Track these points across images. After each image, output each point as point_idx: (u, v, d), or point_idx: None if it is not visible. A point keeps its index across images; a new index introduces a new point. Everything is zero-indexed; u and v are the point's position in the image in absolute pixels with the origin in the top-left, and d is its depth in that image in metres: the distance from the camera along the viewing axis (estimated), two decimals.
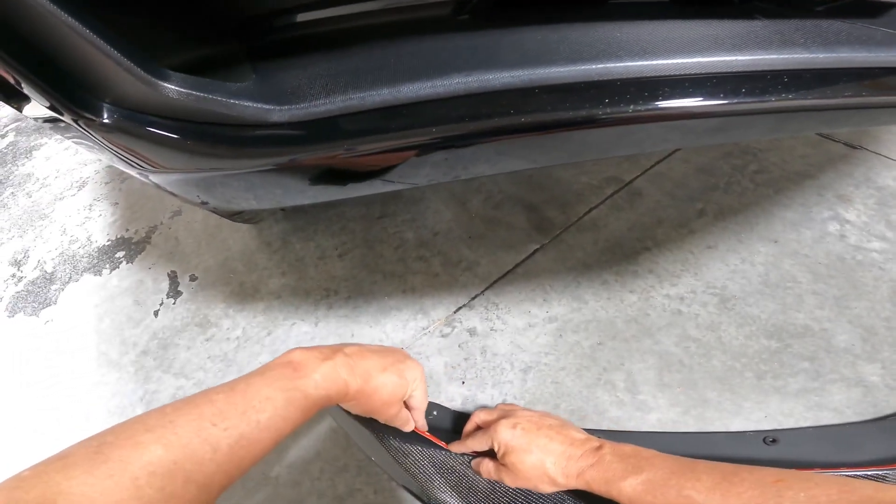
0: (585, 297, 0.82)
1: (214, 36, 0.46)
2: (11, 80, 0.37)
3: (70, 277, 1.25)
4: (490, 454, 0.60)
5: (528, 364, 0.76)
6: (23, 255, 1.39)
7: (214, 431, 0.36)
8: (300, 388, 0.43)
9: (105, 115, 0.41)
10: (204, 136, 0.43)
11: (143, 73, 0.37)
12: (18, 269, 1.36)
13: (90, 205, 1.43)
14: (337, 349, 0.49)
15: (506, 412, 0.60)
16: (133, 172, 0.56)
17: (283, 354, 0.47)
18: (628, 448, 0.48)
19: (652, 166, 1.06)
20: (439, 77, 0.39)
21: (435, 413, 0.68)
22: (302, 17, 0.45)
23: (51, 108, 0.40)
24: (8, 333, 1.18)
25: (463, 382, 0.76)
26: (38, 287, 1.27)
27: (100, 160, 1.61)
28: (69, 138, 0.59)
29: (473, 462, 0.60)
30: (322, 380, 0.45)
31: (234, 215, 0.88)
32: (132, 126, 0.42)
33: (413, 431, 0.65)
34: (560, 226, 0.96)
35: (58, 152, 1.72)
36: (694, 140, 0.46)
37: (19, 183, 1.64)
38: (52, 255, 1.34)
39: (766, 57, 0.39)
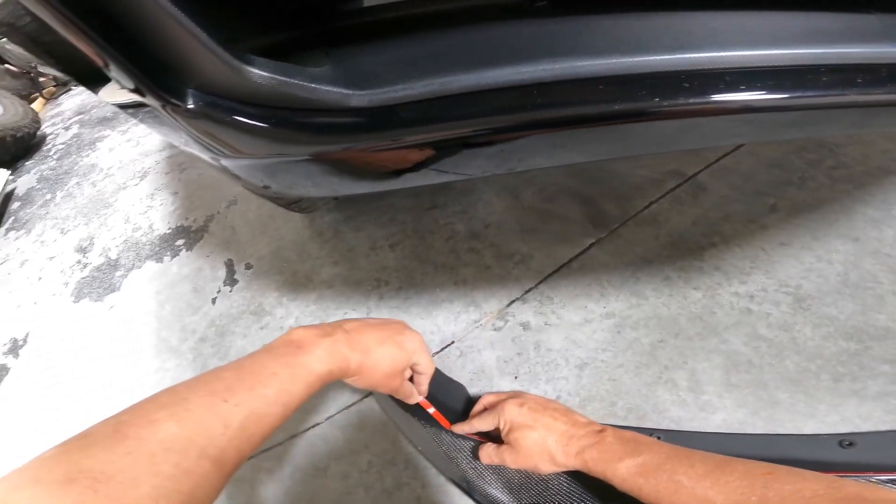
0: (645, 292, 0.82)
1: (288, 20, 0.47)
2: (100, 63, 0.39)
3: (133, 264, 1.36)
4: (492, 439, 0.62)
5: (584, 360, 0.77)
6: (88, 241, 1.52)
7: (226, 407, 0.38)
8: (303, 364, 0.46)
9: (191, 101, 0.43)
10: (286, 122, 0.44)
11: (231, 58, 0.39)
12: (84, 256, 1.48)
13: (152, 194, 1.54)
14: (336, 326, 0.53)
15: (514, 394, 0.63)
16: (206, 157, 0.61)
17: (285, 333, 0.50)
18: (629, 434, 0.50)
19: (717, 160, 1.03)
20: (525, 63, 0.40)
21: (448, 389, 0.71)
22: (373, 1, 0.46)
23: (137, 92, 0.42)
24: (74, 318, 1.29)
25: (515, 377, 0.78)
26: (103, 273, 1.38)
27: (167, 147, 1.72)
28: (142, 122, 0.63)
29: (478, 449, 0.63)
30: (324, 355, 0.48)
31: (292, 204, 0.93)
32: (216, 112, 0.44)
33: (420, 409, 0.69)
34: (617, 220, 0.95)
35: (120, 144, 1.86)
36: (771, 134, 0.46)
37: (84, 173, 1.79)
38: (116, 242, 1.46)
39: (855, 50, 0.39)
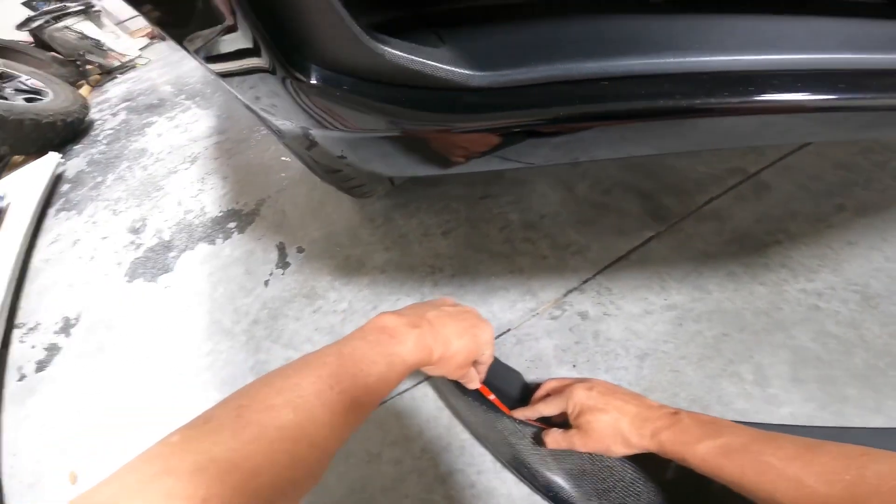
0: (708, 287, 0.83)
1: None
2: (231, 22, 0.41)
3: (186, 246, 1.42)
4: (552, 425, 0.63)
5: (645, 351, 0.78)
6: (141, 223, 1.59)
7: (332, 395, 0.39)
8: (398, 353, 0.48)
9: (314, 77, 0.44)
10: (411, 101, 0.45)
11: (367, 37, 0.41)
12: (137, 237, 1.55)
13: (202, 178, 1.60)
14: (420, 316, 0.54)
15: (580, 379, 0.64)
16: (288, 125, 0.60)
17: (373, 319, 0.51)
18: (706, 416, 0.50)
19: (780, 159, 1.04)
20: (652, 55, 0.41)
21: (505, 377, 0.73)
22: None
23: (262, 63, 0.44)
24: (128, 299, 1.34)
25: (574, 366, 0.80)
26: (157, 254, 1.45)
27: (215, 133, 1.77)
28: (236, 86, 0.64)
29: (543, 434, 0.64)
30: (413, 347, 0.49)
31: (354, 188, 0.97)
32: (338, 89, 0.45)
33: (479, 394, 0.71)
34: (677, 214, 0.96)
35: (168, 130, 1.93)
36: (843, 135, 0.47)
37: (134, 157, 1.87)
38: (168, 224, 1.52)
39: None
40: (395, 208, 1.20)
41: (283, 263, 1.22)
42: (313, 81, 0.45)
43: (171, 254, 1.42)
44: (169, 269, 1.38)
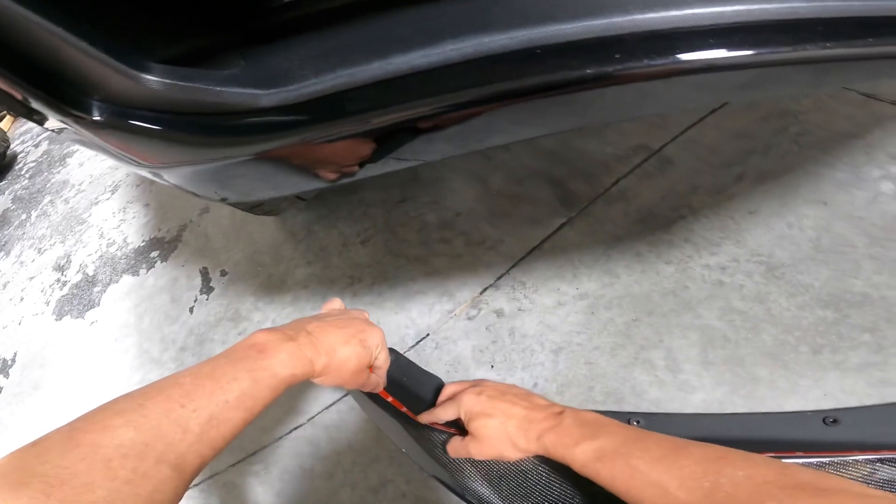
0: (617, 270, 0.77)
1: (203, 27, 0.45)
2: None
3: (110, 279, 1.28)
4: (462, 430, 0.59)
5: (559, 344, 0.72)
6: (65, 259, 1.43)
7: (184, 413, 0.36)
8: (266, 368, 0.43)
9: (95, 113, 0.40)
10: (193, 127, 0.42)
11: (125, 67, 0.36)
12: (62, 274, 1.40)
13: (124, 207, 1.45)
14: (299, 328, 0.50)
15: (474, 383, 0.60)
16: (145, 173, 0.56)
17: (247, 337, 0.47)
18: (590, 415, 0.47)
19: (682, 133, 0.98)
20: (431, 45, 0.36)
21: (395, 360, 0.66)
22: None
23: (36, 108, 0.40)
24: (58, 336, 1.22)
25: (492, 366, 0.73)
26: (82, 290, 1.31)
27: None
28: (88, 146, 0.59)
29: (446, 442, 0.60)
30: (288, 359, 0.45)
31: (255, 207, 0.86)
32: (122, 122, 0.42)
33: (384, 400, 0.65)
34: (587, 198, 0.90)
35: (90, 158, 1.76)
36: (724, 96, 0.42)
37: (56, 190, 1.69)
38: (92, 258, 1.37)
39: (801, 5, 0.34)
40: (317, 220, 1.09)
41: (207, 288, 1.10)
42: (96, 118, 0.41)
43: (97, 288, 1.29)
44: (95, 304, 1.25)
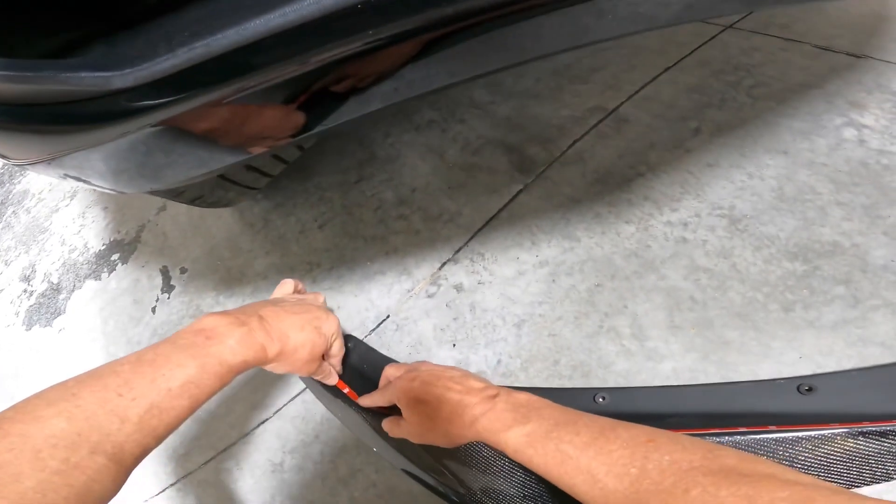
0: (577, 234, 0.69)
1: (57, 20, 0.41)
2: None
3: (74, 285, 1.17)
4: (394, 412, 0.53)
5: (522, 317, 0.64)
6: (30, 269, 1.31)
7: (122, 402, 0.33)
8: (214, 354, 0.39)
9: None
10: (45, 117, 0.37)
11: None
12: (29, 284, 1.28)
13: (83, 212, 1.32)
14: (252, 313, 0.45)
15: (411, 368, 0.54)
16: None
17: (194, 322, 0.42)
18: (522, 398, 0.42)
19: (637, 91, 0.89)
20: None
21: (349, 345, 0.60)
22: None
23: None
24: (29, 346, 1.12)
25: (454, 345, 0.65)
26: (48, 299, 1.19)
27: None
28: None
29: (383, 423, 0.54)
30: (237, 346, 0.41)
31: (196, 200, 0.75)
32: None
33: (337, 389, 0.59)
34: (543, 163, 0.81)
35: None
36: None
37: (18, 201, 1.55)
38: (55, 266, 1.26)
39: None
40: (274, 209, 0.99)
41: (167, 287, 1.00)
42: None
43: (62, 296, 1.17)
44: (61, 311, 1.14)
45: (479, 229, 0.75)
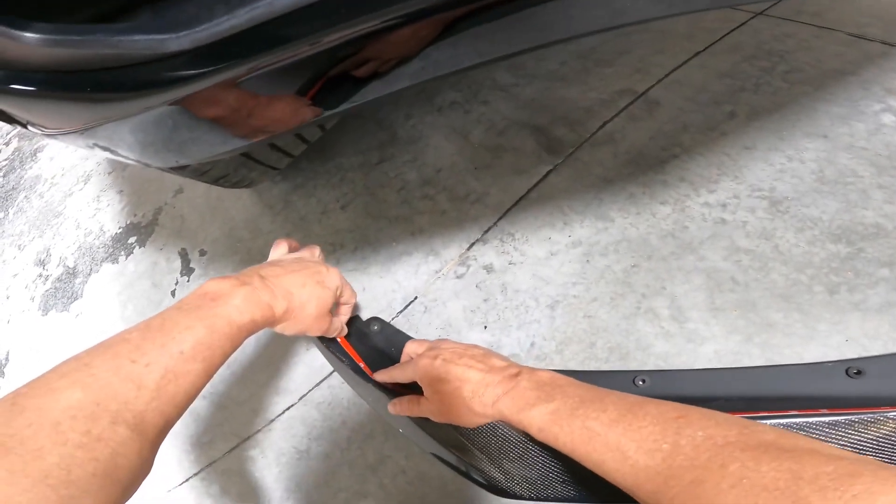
0: (611, 214, 0.68)
1: None
2: None
3: (91, 269, 1.17)
4: (413, 389, 0.53)
5: (555, 298, 0.63)
6: (45, 254, 1.31)
7: (135, 368, 0.32)
8: (221, 315, 0.38)
9: None
10: (93, 84, 0.35)
11: None
12: (44, 269, 1.28)
13: (98, 196, 1.32)
14: (252, 273, 0.44)
15: (433, 345, 0.54)
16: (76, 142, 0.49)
17: (198, 287, 0.42)
18: (545, 376, 0.42)
19: (667, 75, 0.87)
20: None
21: (376, 328, 0.59)
22: None
23: None
24: (44, 331, 1.12)
25: (485, 327, 0.64)
26: (64, 283, 1.19)
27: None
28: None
29: (390, 402, 0.54)
30: (243, 304, 0.40)
31: (220, 179, 0.75)
32: (11, 87, 0.35)
33: (347, 354, 0.59)
34: (572, 144, 0.79)
35: (60, 151, 1.61)
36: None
37: (30, 186, 1.55)
38: (70, 250, 1.26)
39: None
40: (293, 190, 0.98)
41: (187, 270, 0.99)
42: None
43: (78, 280, 1.17)
44: (78, 295, 1.14)
45: (508, 209, 0.74)
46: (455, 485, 0.56)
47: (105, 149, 0.52)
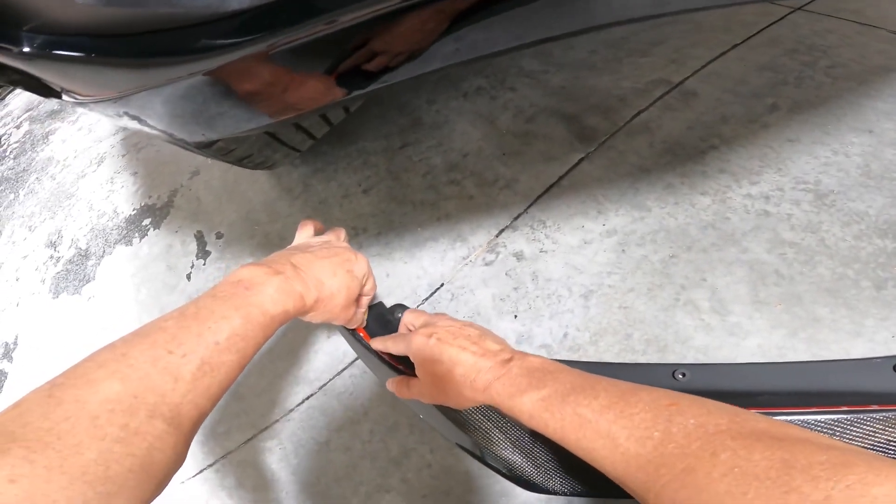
0: (647, 203, 0.66)
1: None
2: None
3: (104, 251, 1.17)
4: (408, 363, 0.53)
5: (589, 288, 0.62)
6: (57, 235, 1.32)
7: (172, 359, 0.32)
8: (255, 304, 0.38)
9: (25, 44, 0.35)
10: (144, 47, 0.35)
11: None
12: (55, 250, 1.29)
13: (111, 178, 1.33)
14: (284, 261, 0.44)
15: (429, 321, 0.53)
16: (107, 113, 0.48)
17: (230, 274, 0.41)
18: (537, 361, 0.42)
19: (703, 66, 0.86)
20: None
21: (399, 315, 0.59)
22: None
23: None
24: (55, 314, 1.12)
25: (515, 316, 0.63)
26: (76, 265, 1.20)
27: (120, 130, 1.50)
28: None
29: (388, 381, 0.54)
30: (277, 294, 0.40)
31: (244, 160, 0.74)
32: (55, 52, 0.35)
33: (361, 338, 0.59)
34: (605, 132, 0.78)
35: (72, 134, 1.62)
36: None
37: (42, 168, 1.56)
38: (83, 231, 1.26)
39: None
40: (313, 174, 0.97)
41: (203, 253, 0.99)
42: (25, 49, 0.35)
43: (90, 262, 1.17)
44: (90, 278, 1.14)
45: (539, 196, 0.73)
46: (482, 479, 0.55)
47: (134, 118, 0.52)
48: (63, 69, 0.37)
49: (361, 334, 0.60)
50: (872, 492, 0.20)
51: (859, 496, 0.20)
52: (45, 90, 0.43)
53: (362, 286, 0.51)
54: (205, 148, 0.67)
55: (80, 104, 0.47)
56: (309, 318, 0.46)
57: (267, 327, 0.39)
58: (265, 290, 0.39)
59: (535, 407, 0.37)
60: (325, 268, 0.46)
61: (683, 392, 0.36)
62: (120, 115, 0.54)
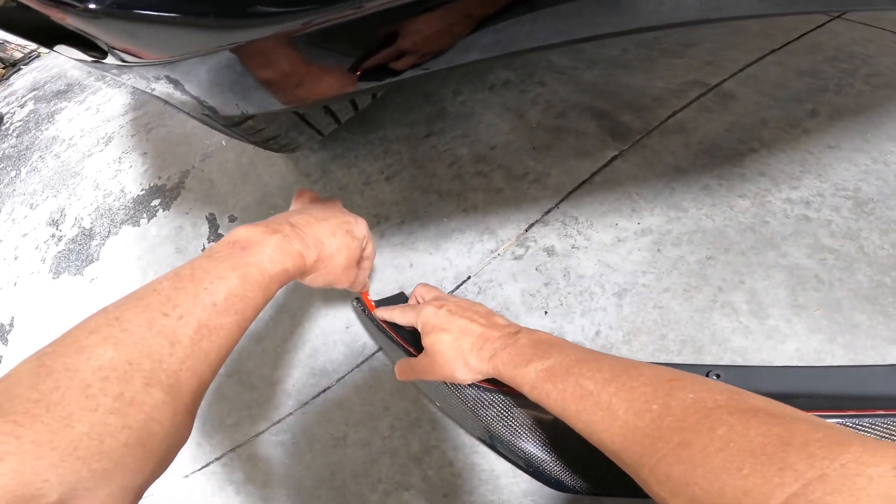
0: (684, 204, 0.67)
1: None
2: None
3: (109, 231, 1.17)
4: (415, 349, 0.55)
5: (623, 286, 0.62)
6: (59, 213, 1.32)
7: (168, 322, 0.31)
8: (253, 263, 0.38)
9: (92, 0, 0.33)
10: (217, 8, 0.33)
11: None
12: (57, 229, 1.29)
13: (119, 158, 1.33)
14: (282, 221, 0.44)
15: (440, 295, 0.56)
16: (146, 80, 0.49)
17: (227, 234, 0.41)
18: (544, 336, 0.44)
19: (741, 70, 0.88)
20: None
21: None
22: None
23: None
24: (55, 295, 1.11)
25: (546, 312, 0.64)
26: (79, 245, 1.20)
27: (130, 110, 1.50)
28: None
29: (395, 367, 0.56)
30: (275, 253, 0.40)
31: (269, 140, 0.75)
32: (124, 10, 0.34)
33: (373, 316, 0.61)
34: (640, 131, 0.79)
35: (79, 114, 1.63)
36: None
37: (46, 146, 1.56)
38: (87, 210, 1.26)
39: None
40: (332, 160, 0.98)
41: (215, 236, 1.00)
42: (91, 6, 0.33)
43: (94, 242, 1.18)
44: (94, 258, 1.14)
45: (571, 192, 0.74)
46: (506, 478, 0.55)
47: (173, 81, 0.52)
48: (128, 28, 0.37)
49: (365, 302, 0.61)
50: (868, 471, 0.20)
51: (855, 475, 0.20)
52: (91, 50, 0.43)
53: (363, 248, 0.52)
54: (233, 126, 0.68)
55: (126, 67, 0.47)
56: (310, 280, 0.46)
57: (266, 288, 0.38)
58: (263, 249, 0.39)
59: (538, 377, 0.38)
60: (324, 228, 0.46)
61: (643, 361, 0.38)
62: (157, 79, 0.54)
